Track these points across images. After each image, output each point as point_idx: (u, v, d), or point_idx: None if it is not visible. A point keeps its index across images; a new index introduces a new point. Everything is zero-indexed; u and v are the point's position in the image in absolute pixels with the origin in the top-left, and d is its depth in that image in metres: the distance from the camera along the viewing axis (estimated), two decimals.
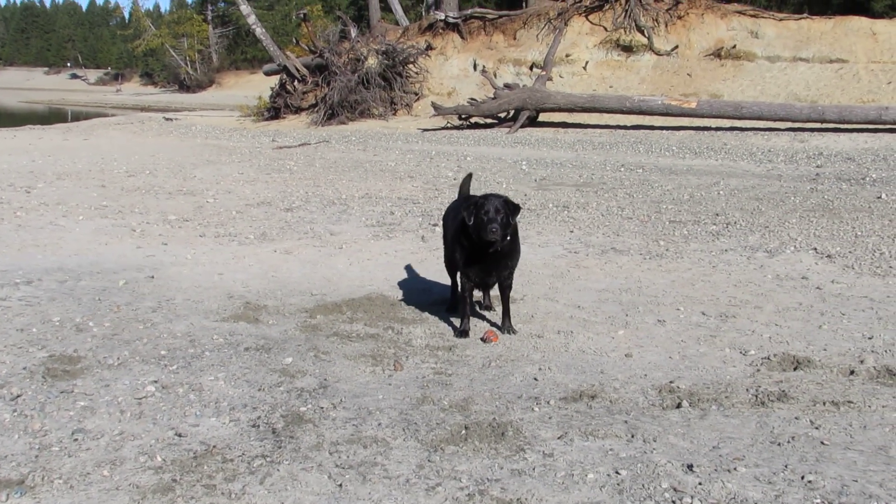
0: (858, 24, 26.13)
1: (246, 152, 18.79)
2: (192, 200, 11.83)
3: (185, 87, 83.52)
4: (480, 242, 5.75)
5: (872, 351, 5.62)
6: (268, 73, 31.38)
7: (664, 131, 21.32)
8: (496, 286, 6.24)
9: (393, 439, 4.28)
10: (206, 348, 5.64)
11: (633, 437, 4.27)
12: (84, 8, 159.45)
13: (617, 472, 3.90)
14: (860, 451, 4.12)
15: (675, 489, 3.71)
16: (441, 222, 7.08)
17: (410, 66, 28.73)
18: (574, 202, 11.55)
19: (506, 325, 6.16)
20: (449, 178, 13.96)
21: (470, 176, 7.39)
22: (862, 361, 5.39)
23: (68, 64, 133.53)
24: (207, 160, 17.07)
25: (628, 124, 22.46)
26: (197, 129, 25.80)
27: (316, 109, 27.06)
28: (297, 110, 28.38)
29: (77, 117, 41.64)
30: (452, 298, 6.73)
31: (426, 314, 6.61)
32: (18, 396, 4.72)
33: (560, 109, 22.89)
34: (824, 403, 4.68)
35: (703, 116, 21.27)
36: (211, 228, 9.93)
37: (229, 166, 15.97)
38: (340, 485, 3.84)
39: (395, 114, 27.30)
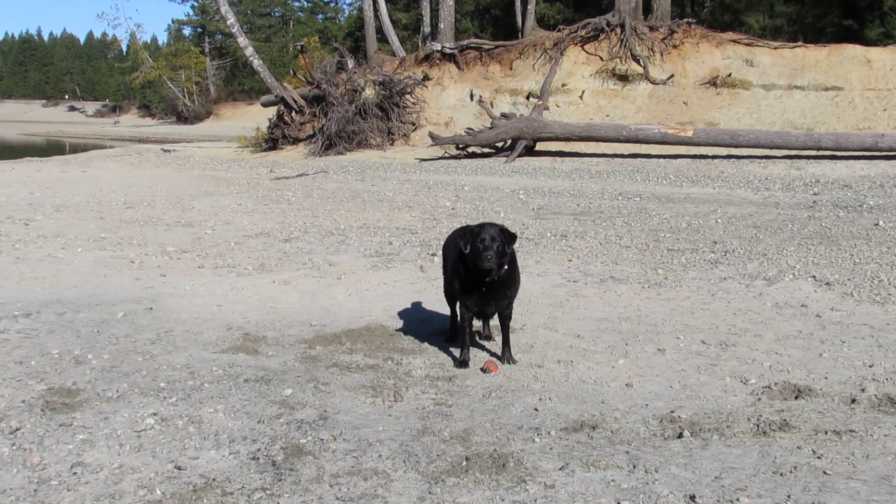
0: (853, 51, 26.31)
1: (244, 183, 18.83)
2: (190, 232, 11.84)
3: (182, 118, 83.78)
4: (477, 271, 5.75)
5: (873, 379, 5.61)
6: (265, 105, 31.47)
7: (661, 160, 21.39)
8: (496, 316, 6.23)
9: (393, 471, 4.26)
10: (205, 380, 5.62)
11: (634, 467, 4.25)
12: (82, 41, 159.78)
13: None
14: (863, 480, 4.10)
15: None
16: (441, 252, 7.06)
17: (407, 96, 28.86)
18: (572, 231, 11.56)
19: (506, 356, 6.15)
20: (447, 208, 13.99)
21: None
22: (863, 390, 5.38)
23: (66, 96, 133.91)
24: (206, 191, 17.10)
25: (625, 153, 22.53)
26: (195, 161, 25.86)
27: (313, 140, 27.13)
28: (295, 141, 28.45)
29: (75, 149, 41.71)
30: (452, 329, 6.71)
31: (426, 344, 6.59)
32: (17, 430, 4.69)
33: (557, 138, 22.97)
34: (826, 432, 4.67)
35: (699, 145, 21.35)
36: (209, 259, 9.93)
37: (227, 197, 15.99)
38: None
39: (392, 144, 27.38)
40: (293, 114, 28.78)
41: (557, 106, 27.61)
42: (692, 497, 3.88)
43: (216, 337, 6.73)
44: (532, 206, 14.26)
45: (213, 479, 4.15)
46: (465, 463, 4.32)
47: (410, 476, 4.21)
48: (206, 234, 11.68)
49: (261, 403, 5.19)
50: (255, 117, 44.84)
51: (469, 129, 24.18)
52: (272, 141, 29.12)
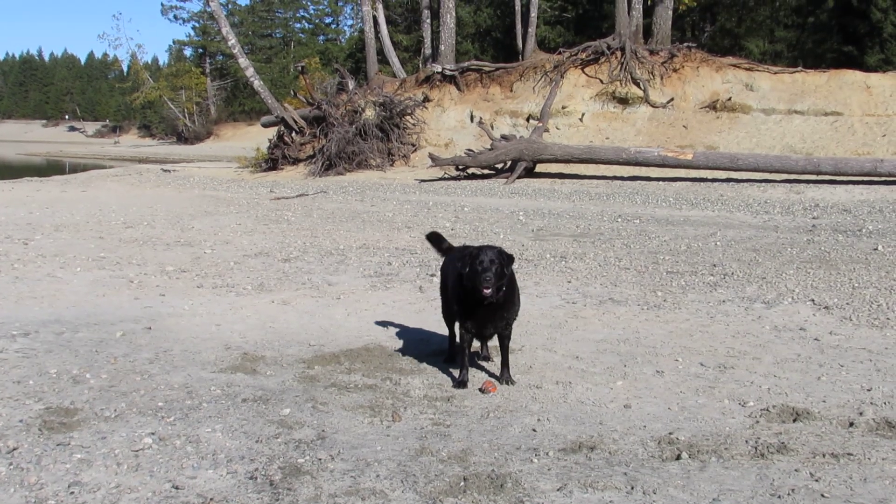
0: (853, 77, 26.43)
1: (244, 203, 18.87)
2: (189, 251, 11.85)
3: (183, 138, 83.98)
4: (475, 292, 5.78)
5: (871, 403, 5.60)
6: (266, 125, 31.59)
7: (661, 182, 21.44)
8: (495, 337, 6.25)
9: (391, 491, 4.25)
10: (203, 400, 5.61)
11: (632, 489, 4.25)
12: (83, 61, 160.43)
13: None
14: (861, 503, 4.10)
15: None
16: (439, 273, 7.04)
17: (408, 117, 28.97)
18: (571, 252, 11.58)
19: (504, 376, 6.14)
20: (446, 229, 14.00)
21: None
22: (861, 413, 5.38)
23: (66, 116, 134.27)
24: (205, 211, 17.13)
25: (625, 175, 22.60)
26: (195, 181, 25.92)
27: (314, 160, 27.21)
28: (295, 161, 28.53)
29: (75, 169, 41.83)
30: (451, 349, 6.71)
31: (424, 364, 6.59)
32: (15, 449, 4.69)
33: (557, 160, 23.05)
34: (824, 455, 4.67)
35: (699, 168, 21.42)
36: (209, 279, 9.93)
37: (227, 217, 16.02)
38: None
39: (392, 165, 27.45)
40: (293, 134, 28.88)
41: (557, 128, 27.71)
42: None
43: (215, 356, 6.72)
44: (531, 228, 14.29)
45: (211, 499, 4.15)
46: (462, 483, 4.32)
47: (408, 496, 4.20)
48: (206, 253, 11.69)
49: (259, 423, 5.18)
50: (256, 138, 44.98)
51: (469, 150, 24.25)
52: (272, 161, 29.19)
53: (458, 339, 6.32)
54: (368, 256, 11.47)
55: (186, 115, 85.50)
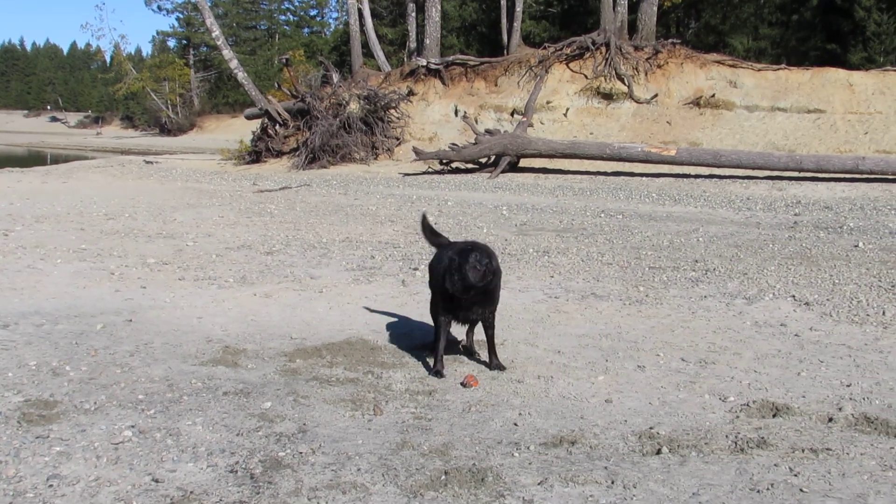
0: (835, 75, 26.56)
1: (226, 196, 18.80)
2: (171, 244, 11.80)
3: (165, 130, 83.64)
4: (465, 285, 5.90)
5: (851, 399, 5.63)
6: (249, 118, 31.49)
7: (644, 178, 21.50)
8: (480, 329, 6.33)
9: (372, 485, 4.25)
10: (184, 392, 5.59)
11: (612, 483, 4.26)
12: (65, 51, 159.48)
13: None
14: (839, 498, 4.12)
15: None
16: (428, 268, 7.00)
17: (392, 111, 28.92)
18: (554, 247, 11.59)
19: (494, 363, 6.29)
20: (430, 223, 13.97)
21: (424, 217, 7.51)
22: (840, 409, 5.41)
23: (48, 107, 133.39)
24: (188, 203, 17.05)
25: (608, 171, 22.64)
26: (177, 173, 25.80)
27: (297, 153, 27.14)
28: (279, 154, 28.45)
29: (56, 160, 41.51)
30: (435, 344, 6.72)
31: (406, 358, 6.59)
32: None
33: (541, 155, 23.06)
34: (803, 450, 4.69)
35: (682, 164, 21.48)
36: (190, 272, 9.89)
37: (210, 209, 15.96)
38: None
39: (376, 158, 27.41)
40: (277, 127, 28.79)
41: (542, 123, 27.73)
42: None
43: (196, 349, 6.70)
44: (515, 222, 14.30)
45: (191, 492, 4.13)
46: (444, 477, 4.32)
47: (389, 490, 4.20)
48: (188, 245, 11.64)
49: (240, 416, 5.17)
50: (239, 130, 44.81)
51: (453, 144, 24.24)
52: (255, 154, 29.10)
53: (435, 326, 6.45)
54: (351, 250, 11.45)
55: (169, 106, 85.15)
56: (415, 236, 12.58)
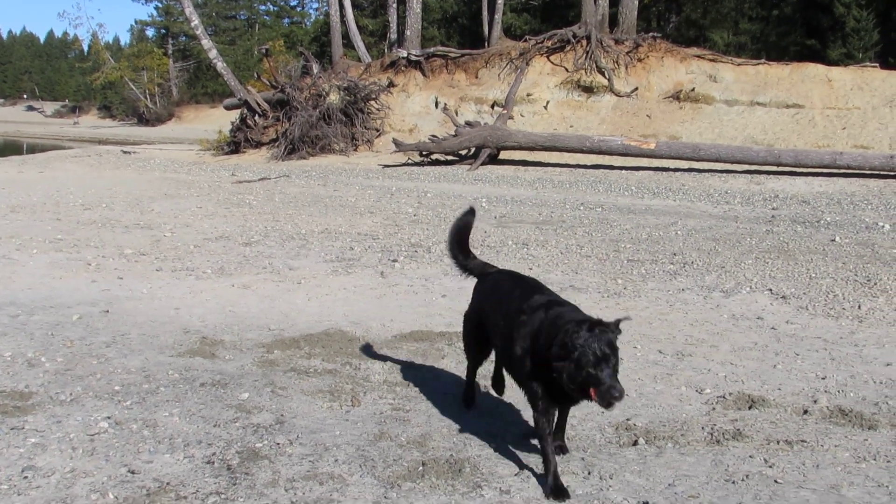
0: (815, 70, 26.71)
1: (205, 186, 18.70)
2: (149, 234, 11.73)
3: (144, 120, 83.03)
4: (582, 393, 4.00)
5: (825, 391, 5.68)
6: (228, 108, 31.33)
7: (623, 171, 21.56)
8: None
9: (349, 476, 4.25)
10: (161, 384, 5.57)
11: (589, 473, 4.28)
12: (42, 39, 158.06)
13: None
14: (813, 489, 4.16)
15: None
16: (473, 295, 5.30)
17: (372, 102, 28.84)
18: (533, 240, 11.61)
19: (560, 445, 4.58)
20: (409, 215, 13.98)
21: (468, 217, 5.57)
22: (815, 401, 5.45)
23: (24, 96, 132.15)
24: (165, 194, 16.96)
25: (588, 164, 22.69)
26: (155, 163, 25.65)
27: (276, 144, 27.03)
28: (258, 145, 28.33)
29: (33, 150, 41.18)
30: (467, 390, 5.39)
31: (385, 350, 6.58)
32: None
33: (521, 148, 23.07)
34: (778, 442, 4.73)
35: (661, 157, 21.55)
36: (168, 262, 9.84)
37: (188, 200, 15.88)
38: None
39: (356, 149, 27.33)
40: (256, 117, 28.66)
41: (522, 115, 27.74)
42: None
43: (173, 340, 6.67)
44: (494, 215, 14.31)
45: (167, 483, 4.12)
46: (421, 468, 4.32)
47: (366, 481, 4.20)
48: (165, 236, 11.58)
49: (217, 407, 5.15)
50: (218, 120, 44.61)
51: (433, 136, 24.21)
52: (234, 144, 28.96)
53: (472, 373, 5.28)
54: (330, 241, 11.42)
55: (148, 96, 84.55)
56: (394, 228, 12.56)
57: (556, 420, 4.39)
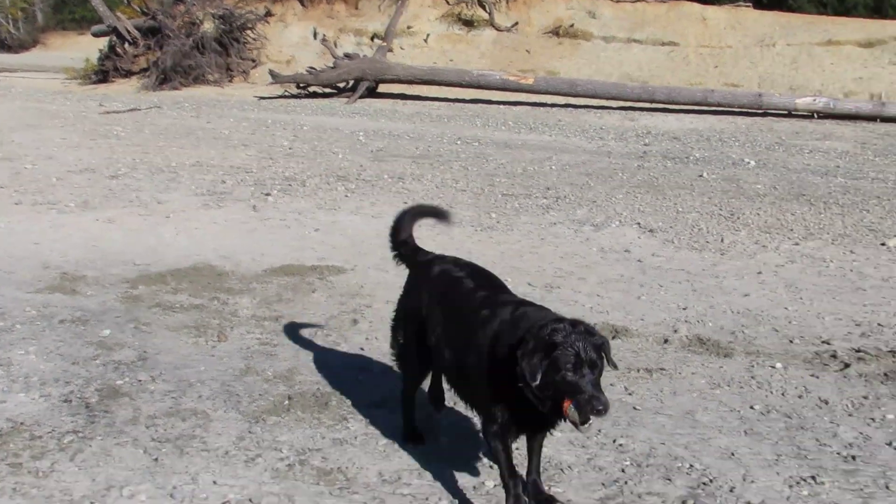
0: (690, 9, 27.18)
1: (70, 116, 17.91)
2: (8, 166, 11.19)
3: (5, 46, 78.76)
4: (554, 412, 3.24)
5: (686, 321, 5.88)
6: (97, 35, 29.94)
7: (502, 106, 21.62)
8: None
9: (213, 411, 4.20)
10: (17, 321, 5.36)
11: (455, 403, 4.32)
12: None
13: (436, 439, 3.95)
14: (669, 415, 4.31)
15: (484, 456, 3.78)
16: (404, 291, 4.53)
17: (248, 32, 28.01)
18: (410, 174, 11.57)
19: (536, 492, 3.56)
20: (284, 148, 13.71)
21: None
22: (676, 331, 5.64)
23: None
24: (27, 124, 16.18)
25: (467, 98, 22.66)
26: (17, 91, 24.42)
27: (147, 74, 26.05)
28: (128, 74, 27.24)
29: None
30: (406, 417, 4.12)
31: (254, 284, 6.48)
32: None
33: (400, 81, 22.86)
34: (638, 371, 4.88)
35: (539, 93, 21.67)
36: (28, 196, 9.42)
37: (51, 131, 15.19)
38: (156, 459, 3.74)
39: (231, 81, 26.59)
40: (126, 45, 27.50)
41: (402, 48, 27.44)
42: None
43: (31, 276, 6.42)
44: (371, 148, 14.18)
45: (21, 423, 3.99)
46: (287, 402, 4.30)
47: (231, 416, 4.16)
48: (26, 168, 11.06)
49: (76, 345, 5.00)
50: (86, 48, 42.51)
51: (311, 68, 23.73)
52: (103, 73, 27.78)
53: (411, 398, 4.11)
54: (202, 174, 11.12)
55: (10, 21, 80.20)
56: (268, 161, 12.31)
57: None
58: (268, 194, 9.83)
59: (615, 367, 3.43)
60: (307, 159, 12.41)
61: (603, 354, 3.25)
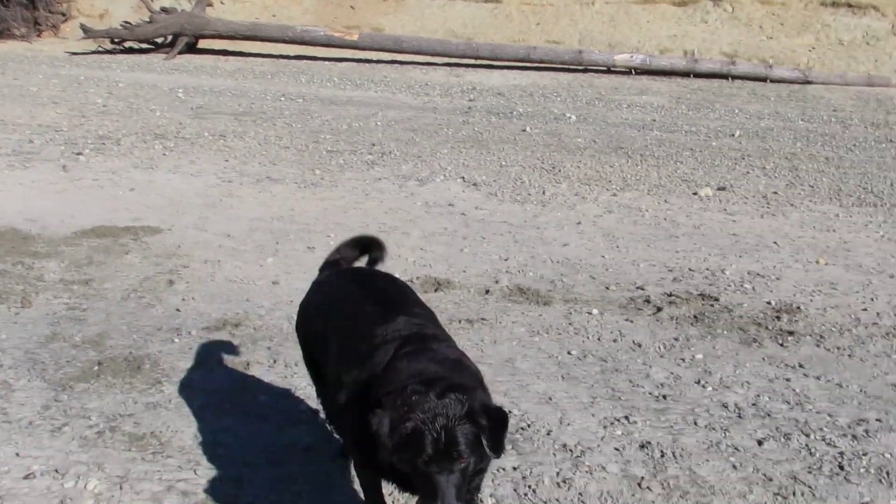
0: None
1: None
2: None
3: None
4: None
5: (507, 272, 5.98)
6: None
7: (327, 62, 21.31)
8: None
9: (16, 381, 3.99)
10: None
11: (275, 362, 4.27)
12: None
13: (255, 398, 3.87)
14: (490, 364, 4.38)
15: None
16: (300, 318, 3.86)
17: None
18: (231, 131, 11.25)
19: None
20: (97, 105, 13.06)
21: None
22: (497, 281, 5.73)
23: None
24: None
25: (291, 54, 22.22)
26: None
27: None
28: None
29: None
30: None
31: (63, 247, 6.15)
32: None
33: (221, 37, 22.18)
34: (460, 321, 4.93)
35: (364, 49, 21.49)
36: None
37: None
38: None
39: (39, 35, 25.10)
40: None
41: (223, 3, 26.54)
42: None
43: None
44: (191, 106, 13.70)
45: None
46: (96, 368, 4.12)
47: (35, 384, 3.96)
48: None
49: None
50: None
51: (126, 22, 22.69)
52: None
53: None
54: (7, 134, 10.46)
55: None
56: (80, 119, 11.70)
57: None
58: (79, 154, 9.34)
59: (497, 454, 2.57)
60: (122, 117, 11.88)
61: (478, 440, 2.47)
